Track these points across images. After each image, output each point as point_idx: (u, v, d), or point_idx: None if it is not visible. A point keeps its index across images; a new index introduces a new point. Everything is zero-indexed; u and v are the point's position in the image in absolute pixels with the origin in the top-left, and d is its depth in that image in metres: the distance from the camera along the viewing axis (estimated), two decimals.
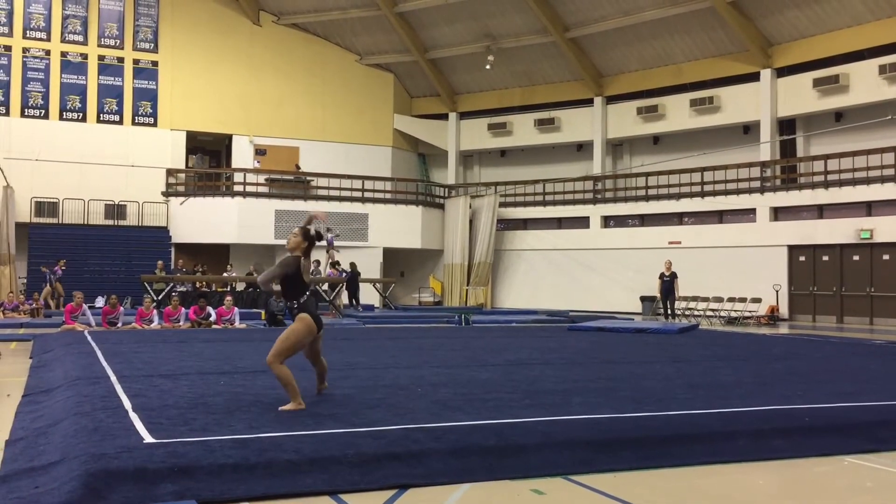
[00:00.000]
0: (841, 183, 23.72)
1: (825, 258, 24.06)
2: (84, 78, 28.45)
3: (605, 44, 29.29)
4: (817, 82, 24.96)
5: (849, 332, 19.13)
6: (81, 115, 28.34)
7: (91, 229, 27.26)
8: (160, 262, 24.28)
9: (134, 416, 6.08)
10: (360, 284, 25.52)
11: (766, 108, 26.27)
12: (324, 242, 25.98)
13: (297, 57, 31.72)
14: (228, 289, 24.46)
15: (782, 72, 26.30)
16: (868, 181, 23.13)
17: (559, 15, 28.94)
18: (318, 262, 24.94)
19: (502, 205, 30.45)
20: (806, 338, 16.80)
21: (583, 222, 29.37)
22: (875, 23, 23.91)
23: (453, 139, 33.40)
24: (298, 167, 30.91)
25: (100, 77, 28.66)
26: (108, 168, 27.92)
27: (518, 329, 18.66)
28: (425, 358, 11.11)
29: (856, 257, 23.45)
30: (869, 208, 23.26)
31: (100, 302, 21.70)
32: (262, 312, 19.47)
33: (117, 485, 4.43)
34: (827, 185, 24.05)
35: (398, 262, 30.89)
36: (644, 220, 28.28)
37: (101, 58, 28.73)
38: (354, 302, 24.03)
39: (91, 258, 25.13)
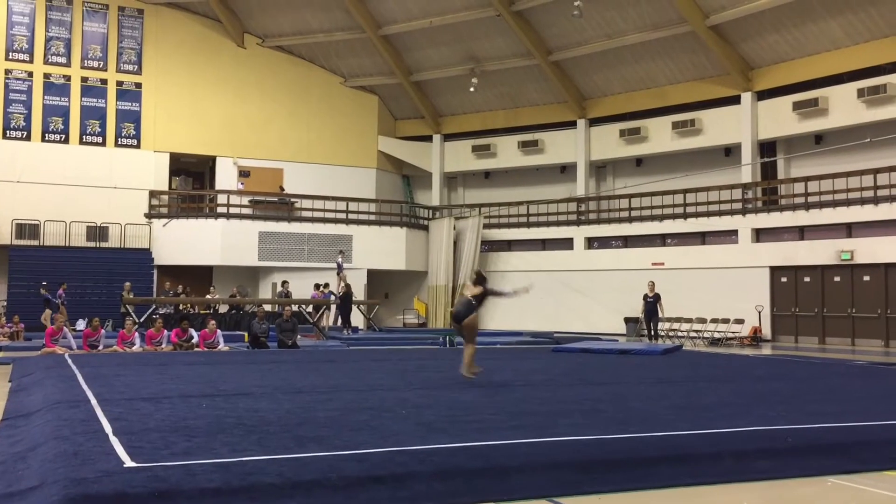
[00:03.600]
0: (821, 205, 23.96)
1: (807, 279, 24.24)
2: (67, 99, 28.35)
3: (588, 67, 29.56)
4: (797, 105, 25.26)
5: (831, 353, 19.25)
6: (64, 136, 28.22)
7: (73, 251, 27.04)
8: (127, 284, 24.09)
9: (114, 440, 6.01)
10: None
11: (747, 130, 26.54)
12: (333, 265, 26.02)
13: (281, 79, 31.78)
14: (211, 311, 24.31)
15: (763, 95, 26.61)
16: (848, 203, 23.38)
17: (542, 38, 29.19)
18: (285, 283, 24.90)
19: (486, 226, 30.52)
20: (788, 359, 16.88)
21: (567, 244, 29.46)
22: (853, 47, 24.28)
23: (437, 161, 33.50)
24: (283, 189, 30.89)
25: (83, 99, 28.56)
26: (90, 190, 27.77)
27: (503, 351, 18.63)
28: (409, 380, 11.08)
29: (837, 278, 23.64)
30: (849, 230, 23.49)
31: (81, 324, 21.50)
32: (245, 335, 19.33)
33: None
34: (808, 206, 24.29)
35: (382, 284, 30.83)
36: (627, 241, 28.41)
37: (84, 79, 28.66)
38: (348, 324, 23.83)
39: (72, 280, 24.89)
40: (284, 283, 25.18)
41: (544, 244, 30.14)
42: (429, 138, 33.75)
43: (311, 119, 32.18)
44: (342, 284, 24.34)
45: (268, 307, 23.07)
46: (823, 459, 6.16)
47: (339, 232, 29.18)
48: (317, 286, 24.79)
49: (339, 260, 26.04)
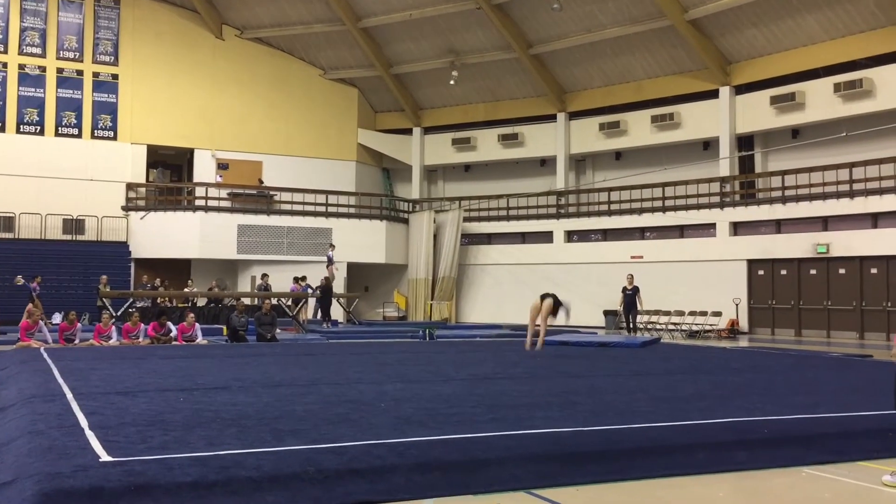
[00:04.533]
0: (798, 198, 24.18)
1: (783, 272, 24.47)
2: (42, 91, 28.02)
3: (568, 60, 29.61)
4: (774, 100, 25.46)
5: (807, 345, 19.45)
6: (39, 128, 27.89)
7: (48, 244, 26.78)
8: (104, 277, 23.87)
9: (90, 435, 5.96)
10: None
11: (725, 124, 26.72)
12: (324, 258, 25.89)
13: (260, 71, 31.58)
14: (189, 304, 24.17)
15: (740, 89, 26.79)
16: (824, 196, 23.60)
17: (522, 31, 29.20)
18: (265, 276, 24.85)
19: (466, 219, 30.54)
20: (765, 351, 17.03)
21: (546, 237, 29.54)
22: (830, 42, 24.49)
23: (417, 154, 33.45)
24: (261, 182, 30.73)
25: (58, 90, 28.24)
26: (66, 182, 27.47)
27: (482, 343, 18.67)
28: (389, 373, 11.07)
29: (813, 271, 23.88)
30: (825, 223, 23.73)
31: (57, 318, 21.29)
32: (224, 328, 19.23)
33: None
34: (784, 200, 24.51)
35: (362, 277, 30.77)
36: (607, 234, 28.53)
37: (59, 70, 28.33)
38: (327, 317, 23.78)
39: (48, 274, 24.64)
40: (264, 275, 25.07)
41: (524, 237, 30.21)
42: (409, 131, 33.69)
43: (291, 111, 32.01)
44: (323, 277, 24.28)
45: (247, 300, 22.97)
46: (798, 450, 6.23)
47: (318, 225, 29.07)
48: (296, 279, 24.70)
49: (330, 253, 25.89)
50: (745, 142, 27.31)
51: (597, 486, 5.30)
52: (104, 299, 20.14)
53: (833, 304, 23.35)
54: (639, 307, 22.03)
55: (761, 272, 24.92)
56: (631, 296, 22.00)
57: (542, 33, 28.96)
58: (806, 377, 11.29)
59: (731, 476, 5.71)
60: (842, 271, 23.27)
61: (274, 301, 20.63)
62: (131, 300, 20.91)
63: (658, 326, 23.99)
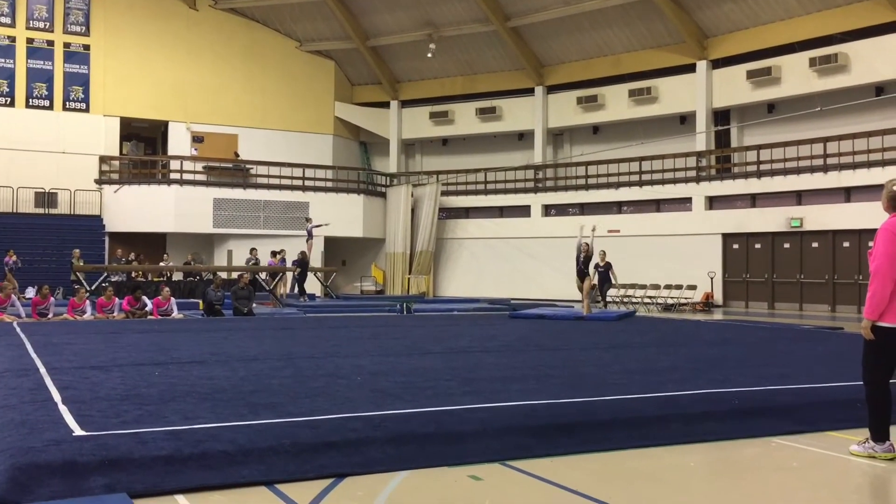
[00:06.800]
0: (773, 172, 24.37)
1: (757, 246, 24.72)
2: (12, 61, 27.48)
3: (546, 33, 29.48)
4: (751, 74, 25.54)
5: (779, 318, 19.70)
6: (9, 99, 27.40)
7: (20, 218, 26.42)
8: (76, 251, 23.60)
9: (63, 409, 5.92)
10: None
11: (702, 99, 26.79)
12: (303, 232, 25.69)
13: (235, 42, 31.16)
14: (164, 278, 24.01)
15: (717, 63, 26.84)
16: (798, 171, 23.80)
17: (500, 4, 29.00)
18: (254, 251, 24.71)
19: (444, 193, 30.48)
20: (738, 324, 17.24)
21: (524, 211, 29.59)
22: (806, 17, 24.57)
23: (395, 127, 33.26)
24: (237, 155, 30.45)
25: (28, 60, 27.71)
26: (38, 155, 27.07)
27: (459, 317, 18.73)
28: (365, 347, 11.08)
29: (786, 245, 24.14)
30: (799, 197, 23.95)
31: (30, 292, 21.07)
32: (200, 302, 19.14)
33: (45, 478, 4.32)
34: (759, 174, 24.69)
35: (340, 251, 30.70)
36: (584, 208, 28.61)
37: (29, 40, 27.79)
38: (302, 292, 23.71)
39: (21, 248, 24.32)
40: (252, 250, 24.85)
41: (501, 211, 30.23)
42: (386, 105, 33.47)
43: (267, 84, 31.66)
44: (300, 252, 24.17)
45: (223, 274, 22.84)
46: (769, 421, 6.33)
47: (295, 199, 28.90)
48: (273, 253, 24.59)
49: (309, 227, 25.68)
50: (721, 116, 27.43)
51: (572, 458, 5.36)
52: (78, 273, 19.94)
53: (806, 277, 23.64)
54: (613, 281, 22.15)
55: (736, 246, 25.15)
56: (604, 272, 22.09)
57: (520, 5, 28.78)
58: (778, 349, 11.45)
59: (702, 446, 5.80)
60: (815, 245, 23.54)
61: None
62: (105, 274, 20.72)
63: (634, 300, 24.19)
